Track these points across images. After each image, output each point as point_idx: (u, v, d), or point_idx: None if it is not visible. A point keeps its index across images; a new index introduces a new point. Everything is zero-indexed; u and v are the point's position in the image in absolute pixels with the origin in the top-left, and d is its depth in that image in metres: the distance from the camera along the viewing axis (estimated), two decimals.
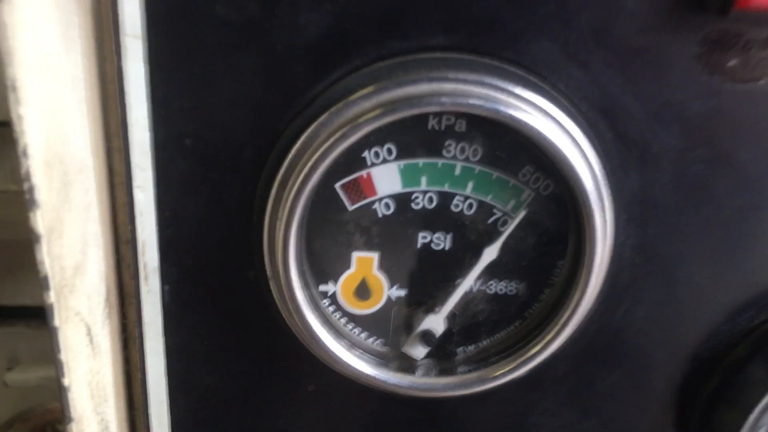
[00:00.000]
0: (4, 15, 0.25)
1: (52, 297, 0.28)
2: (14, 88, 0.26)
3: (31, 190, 0.27)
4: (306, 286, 0.35)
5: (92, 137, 0.32)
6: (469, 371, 0.36)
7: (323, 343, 0.35)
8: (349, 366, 0.35)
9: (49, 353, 0.83)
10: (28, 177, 0.27)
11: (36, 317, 0.96)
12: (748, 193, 0.35)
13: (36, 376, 0.86)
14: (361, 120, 0.31)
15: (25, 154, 0.27)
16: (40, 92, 0.28)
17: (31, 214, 0.27)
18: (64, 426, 0.64)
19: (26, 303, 0.98)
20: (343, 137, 0.31)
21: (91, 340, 0.32)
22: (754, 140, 0.34)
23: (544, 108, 0.32)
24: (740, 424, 0.34)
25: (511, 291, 0.36)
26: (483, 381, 0.36)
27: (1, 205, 0.81)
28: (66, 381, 0.30)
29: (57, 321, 0.28)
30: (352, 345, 0.36)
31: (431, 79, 0.32)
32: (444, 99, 0.31)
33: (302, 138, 0.32)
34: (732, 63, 0.33)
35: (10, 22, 0.25)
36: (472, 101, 0.31)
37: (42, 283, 0.27)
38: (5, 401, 0.96)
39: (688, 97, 0.34)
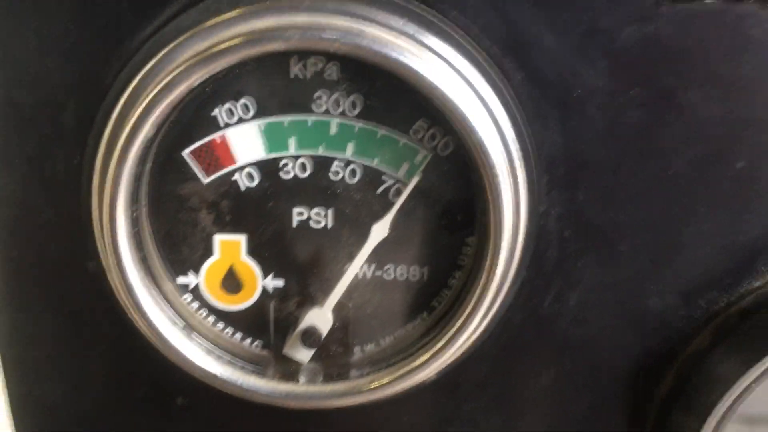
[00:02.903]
0: None
1: None
2: None
3: None
4: (153, 279, 0.28)
5: None
6: (364, 375, 0.30)
7: (177, 350, 0.28)
8: (214, 376, 0.29)
9: None
10: None
11: None
12: (700, 141, 0.28)
13: None
14: (192, 61, 0.25)
15: None
16: None
17: None
18: None
19: None
20: (173, 84, 0.25)
21: None
22: (703, 74, 0.28)
23: (428, 44, 0.26)
24: (699, 430, 0.28)
25: (412, 276, 0.30)
26: (380, 387, 0.29)
27: None
28: None
29: None
30: (222, 349, 0.30)
31: (280, 10, 0.25)
32: (291, 33, 0.25)
33: (128, 90, 0.26)
34: None
35: None
36: (326, 35, 0.25)
37: None
38: None
39: (616, 24, 0.27)
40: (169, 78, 0.25)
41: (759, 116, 0.28)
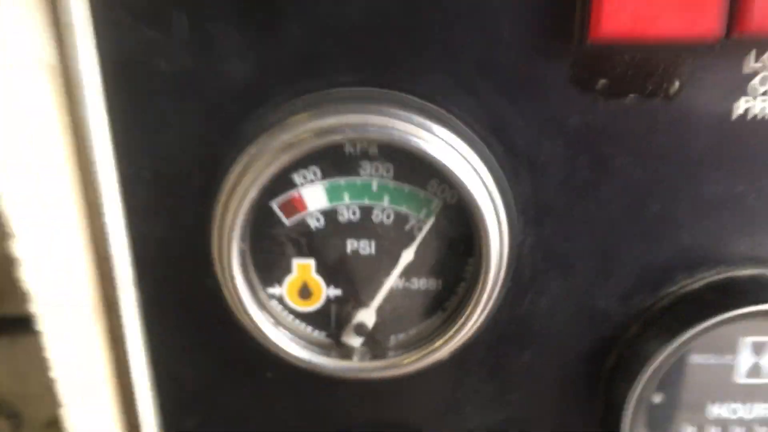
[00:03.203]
0: None
1: (35, 308, 0.35)
2: None
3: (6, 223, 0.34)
4: (253, 290, 0.41)
5: (70, 176, 0.39)
6: (398, 355, 0.42)
7: (270, 339, 0.41)
8: (295, 356, 0.42)
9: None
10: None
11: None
12: (628, 192, 0.40)
13: None
14: (281, 147, 0.37)
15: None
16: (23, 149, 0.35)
17: (10, 243, 0.34)
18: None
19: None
20: (270, 162, 0.38)
21: (75, 342, 0.39)
22: (628, 148, 0.39)
23: (437, 133, 0.38)
24: (627, 395, 0.40)
25: (430, 286, 0.42)
26: (411, 363, 0.42)
27: None
28: (54, 375, 0.37)
29: (42, 327, 0.35)
30: (299, 338, 0.42)
31: (342, 112, 0.38)
32: (345, 129, 0.37)
33: (238, 165, 0.39)
34: (601, 83, 0.38)
35: None
36: (373, 131, 0.37)
37: (25, 297, 0.34)
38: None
39: (566, 114, 0.39)
40: (266, 157, 0.38)
41: (669, 173, 0.40)
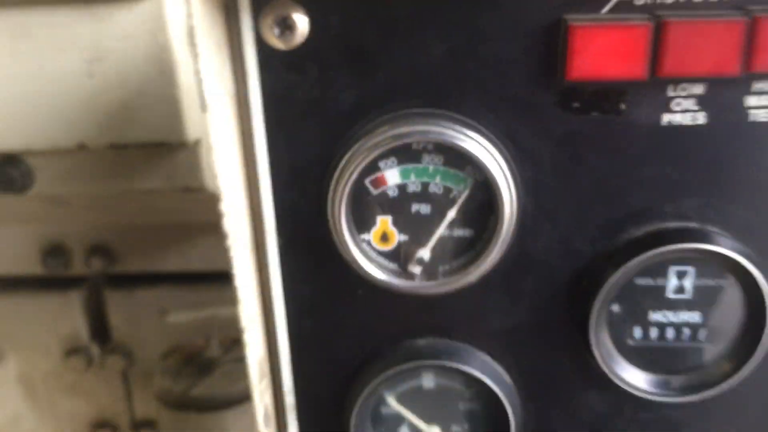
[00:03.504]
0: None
1: (232, 249, 0.58)
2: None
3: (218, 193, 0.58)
4: (353, 236, 0.64)
5: (242, 165, 0.62)
6: (444, 278, 0.64)
7: (362, 267, 0.63)
8: (377, 279, 0.64)
9: (192, 305, 1.21)
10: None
11: (182, 280, 1.30)
12: (595, 176, 0.61)
13: (187, 317, 1.20)
14: (372, 146, 0.60)
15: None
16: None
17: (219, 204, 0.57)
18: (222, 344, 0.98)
19: (170, 269, 1.32)
20: (366, 156, 0.60)
21: (244, 271, 0.62)
22: (594, 147, 0.61)
23: (471, 136, 0.60)
24: (593, 306, 0.62)
25: (466, 234, 0.64)
26: (451, 284, 0.64)
27: (154, 198, 1.14)
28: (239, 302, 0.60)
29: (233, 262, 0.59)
30: (380, 267, 0.65)
31: (412, 124, 0.60)
32: (417, 135, 0.59)
33: (345, 158, 0.61)
34: (575, 105, 0.60)
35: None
36: (431, 135, 0.59)
37: (226, 242, 0.57)
38: (165, 336, 1.31)
39: (553, 125, 0.60)
40: (363, 153, 0.60)
41: (622, 162, 0.61)
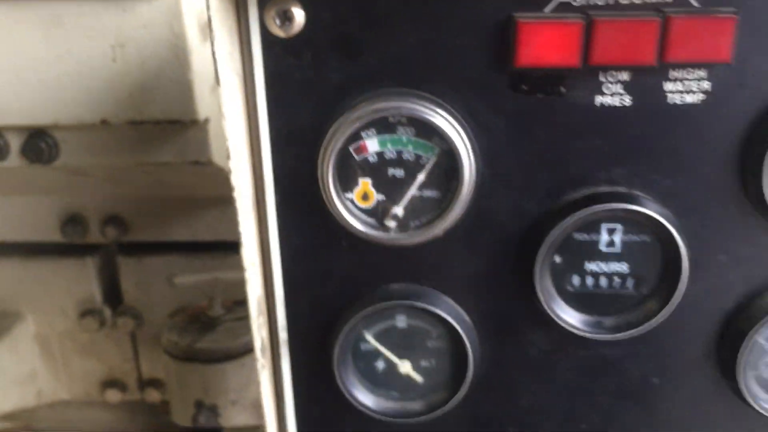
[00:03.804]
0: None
1: (237, 201, 0.71)
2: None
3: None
4: (338, 194, 0.76)
5: (246, 132, 0.74)
6: (414, 230, 0.77)
7: (346, 220, 0.76)
8: (359, 230, 0.76)
9: (198, 272, 1.35)
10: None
11: (189, 249, 1.43)
12: (538, 146, 0.74)
13: (192, 280, 1.32)
14: (355, 118, 0.72)
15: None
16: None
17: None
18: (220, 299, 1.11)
19: (177, 239, 1.45)
20: (350, 126, 0.72)
21: (247, 222, 0.75)
22: (539, 122, 0.73)
23: (438, 111, 0.72)
24: (537, 257, 0.74)
25: (433, 195, 0.76)
26: (421, 235, 0.76)
27: (166, 171, 1.26)
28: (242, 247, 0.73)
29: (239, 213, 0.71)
30: (361, 222, 0.77)
31: (388, 101, 0.72)
32: (392, 110, 0.71)
33: (332, 128, 0.73)
34: (523, 87, 0.72)
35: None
36: (404, 110, 0.71)
37: (233, 194, 0.70)
38: (172, 300, 1.44)
39: (506, 104, 0.72)
40: (347, 124, 0.72)
41: (561, 135, 0.73)
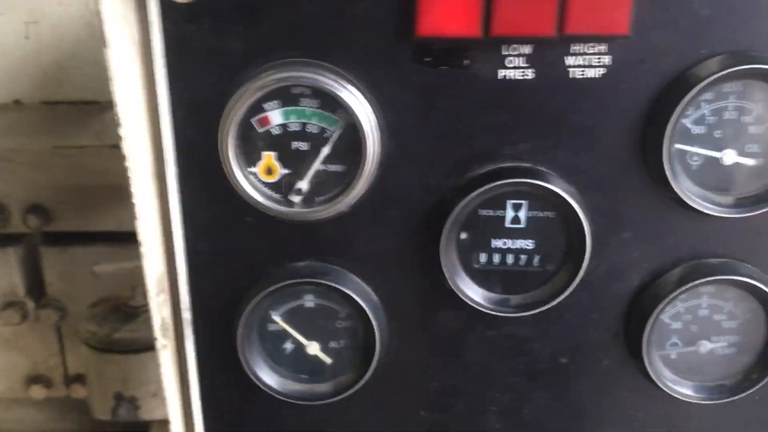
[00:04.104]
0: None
1: (131, 171, 0.68)
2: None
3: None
4: (241, 168, 0.74)
5: (144, 101, 0.72)
6: (319, 205, 0.75)
7: (249, 195, 0.74)
8: (263, 205, 0.74)
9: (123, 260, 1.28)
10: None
11: (114, 240, 1.39)
12: (445, 119, 0.73)
13: (113, 268, 1.29)
14: (256, 88, 0.70)
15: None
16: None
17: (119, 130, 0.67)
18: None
19: (103, 229, 1.41)
20: (250, 96, 0.71)
21: (144, 194, 0.72)
22: (444, 95, 0.73)
23: (341, 83, 0.70)
24: (442, 233, 0.73)
25: (338, 169, 0.75)
26: (326, 210, 0.74)
27: (85, 156, 1.23)
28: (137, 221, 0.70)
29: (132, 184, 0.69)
30: (265, 197, 0.75)
31: (290, 71, 0.71)
32: (294, 80, 0.70)
33: (234, 97, 0.71)
34: (426, 59, 0.71)
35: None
36: (305, 81, 0.70)
37: (125, 164, 0.68)
38: (97, 292, 1.39)
39: (410, 76, 0.71)
40: (249, 93, 0.70)
41: (466, 109, 0.73)
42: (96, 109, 1.08)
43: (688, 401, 0.82)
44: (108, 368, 1.23)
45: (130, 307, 1.26)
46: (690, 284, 0.76)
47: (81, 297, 1.45)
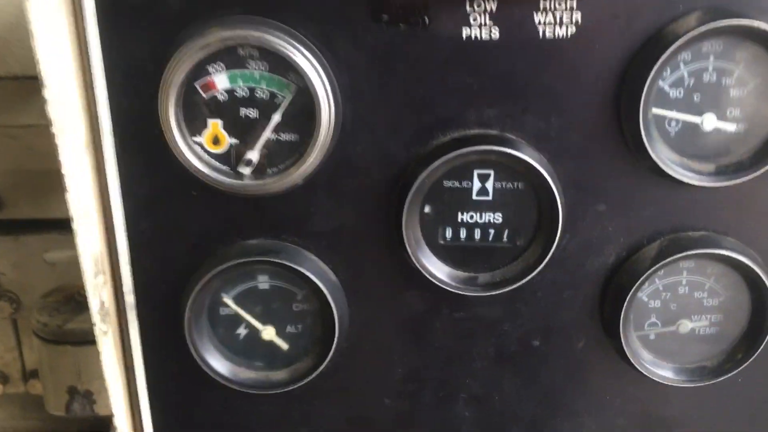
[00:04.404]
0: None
1: (57, 138, 0.62)
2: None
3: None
4: (184, 138, 0.68)
5: (75, 60, 0.66)
6: (271, 177, 0.69)
7: (194, 166, 0.68)
8: (210, 178, 0.68)
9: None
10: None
11: (69, 227, 1.32)
12: (405, 82, 0.68)
13: (66, 255, 1.22)
14: (197, 48, 0.64)
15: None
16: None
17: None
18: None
19: (57, 216, 1.34)
20: (190, 58, 0.65)
21: (77, 165, 0.66)
22: (403, 56, 0.67)
23: (292, 43, 0.65)
24: (404, 205, 0.68)
25: (292, 138, 0.69)
26: (277, 182, 0.69)
27: (33, 136, 1.16)
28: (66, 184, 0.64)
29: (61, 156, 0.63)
30: (213, 168, 0.69)
31: (236, 29, 0.65)
32: (239, 39, 0.64)
33: (175, 58, 0.65)
34: (384, 17, 0.65)
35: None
36: (251, 40, 0.64)
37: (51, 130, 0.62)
38: (53, 282, 1.33)
39: (367, 36, 0.65)
40: (191, 53, 0.65)
41: (429, 70, 0.67)
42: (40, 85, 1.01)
43: (667, 384, 0.77)
44: (60, 361, 1.16)
45: (84, 297, 1.19)
46: (668, 259, 0.71)
47: (36, 288, 1.38)
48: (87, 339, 1.14)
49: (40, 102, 1.06)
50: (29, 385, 1.48)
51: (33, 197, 1.33)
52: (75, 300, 1.20)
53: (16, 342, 1.47)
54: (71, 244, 1.33)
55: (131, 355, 0.76)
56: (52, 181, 1.32)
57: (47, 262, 1.26)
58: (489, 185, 0.70)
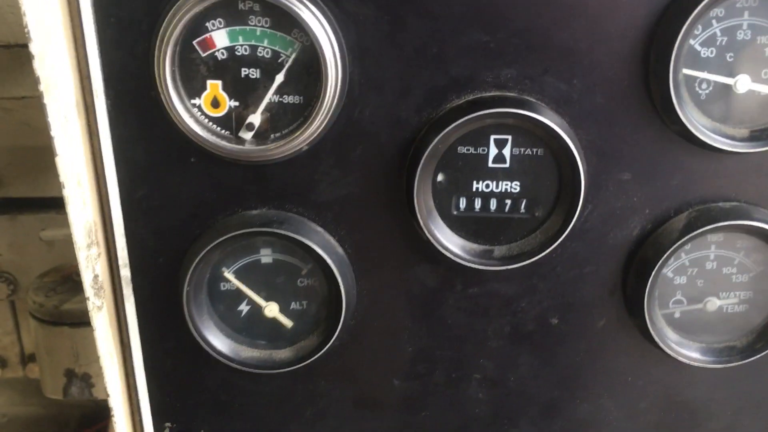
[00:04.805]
0: None
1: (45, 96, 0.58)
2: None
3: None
4: (182, 101, 0.64)
5: (65, 26, 0.62)
6: (274, 141, 0.65)
7: (192, 131, 0.64)
8: (210, 143, 0.65)
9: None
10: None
11: (63, 205, 1.28)
12: (415, 41, 0.63)
13: (62, 234, 1.18)
14: (199, 2, 0.60)
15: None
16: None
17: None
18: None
19: (54, 195, 1.30)
20: (187, 11, 0.61)
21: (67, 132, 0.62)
22: (421, 14, 0.63)
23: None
24: (416, 173, 0.64)
25: (296, 100, 0.65)
26: (281, 148, 0.65)
27: (27, 109, 1.12)
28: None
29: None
30: (212, 132, 0.65)
31: None
32: None
33: (169, 14, 0.61)
34: None
35: None
36: None
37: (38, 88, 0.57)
38: (50, 262, 1.29)
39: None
40: (186, 7, 0.60)
41: (438, 26, 0.63)
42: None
43: (693, 365, 0.73)
44: (57, 343, 1.12)
45: (79, 278, 1.15)
46: (696, 231, 0.67)
47: (33, 268, 1.34)
48: (84, 320, 1.10)
49: (33, 72, 1.02)
50: (28, 368, 1.45)
51: (29, 175, 1.30)
52: (72, 280, 1.17)
53: (14, 325, 1.44)
54: (68, 223, 1.30)
55: (127, 332, 0.72)
56: (48, 158, 1.29)
57: (44, 241, 1.22)
58: (506, 151, 0.65)
